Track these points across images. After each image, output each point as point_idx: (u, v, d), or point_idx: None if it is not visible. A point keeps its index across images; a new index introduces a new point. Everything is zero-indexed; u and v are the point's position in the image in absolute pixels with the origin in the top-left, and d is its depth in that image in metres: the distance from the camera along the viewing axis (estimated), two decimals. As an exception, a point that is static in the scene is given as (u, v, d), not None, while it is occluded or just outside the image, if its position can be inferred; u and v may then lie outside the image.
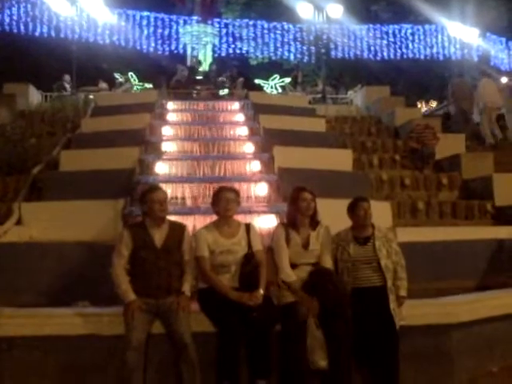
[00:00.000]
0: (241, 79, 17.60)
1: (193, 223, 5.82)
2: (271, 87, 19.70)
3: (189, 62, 20.31)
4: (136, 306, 3.85)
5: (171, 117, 10.51)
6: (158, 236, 4.06)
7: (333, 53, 23.16)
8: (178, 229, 4.20)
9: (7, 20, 21.67)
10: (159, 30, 23.29)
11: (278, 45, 24.45)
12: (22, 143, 8.80)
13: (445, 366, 4.38)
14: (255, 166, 7.82)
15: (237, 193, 4.36)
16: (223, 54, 23.68)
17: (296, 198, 4.29)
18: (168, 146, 8.63)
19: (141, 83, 18.57)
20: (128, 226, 4.42)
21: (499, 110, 12.14)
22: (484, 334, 4.59)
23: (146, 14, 23.34)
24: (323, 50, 18.70)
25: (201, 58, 20.58)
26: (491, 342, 4.65)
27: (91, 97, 13.94)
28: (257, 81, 20.29)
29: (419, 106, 21.97)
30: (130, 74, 18.84)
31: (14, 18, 21.74)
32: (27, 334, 4.02)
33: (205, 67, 20.03)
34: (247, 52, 24.57)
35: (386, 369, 4.07)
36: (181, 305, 3.91)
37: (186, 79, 16.54)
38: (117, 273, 3.96)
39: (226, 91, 16.19)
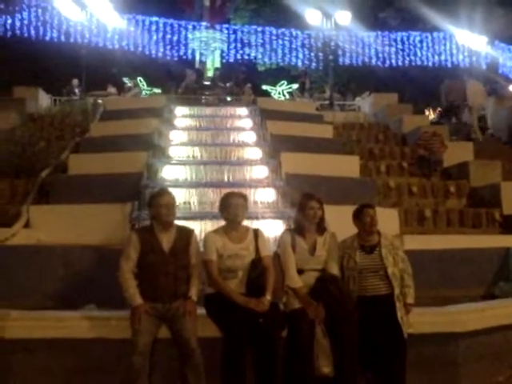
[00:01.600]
0: (248, 85, 17.66)
1: (200, 228, 5.84)
2: (279, 93, 19.75)
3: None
4: (143, 310, 3.85)
5: (179, 122, 10.56)
6: (166, 240, 4.06)
7: (341, 59, 23.16)
8: (186, 233, 4.20)
9: (18, 24, 21.83)
10: (168, 36, 23.36)
11: (286, 51, 24.48)
12: (31, 147, 8.84)
13: (451, 374, 4.36)
14: (263, 172, 7.83)
15: (245, 198, 4.35)
16: (231, 60, 23.71)
17: (303, 205, 4.31)
18: (176, 151, 8.66)
19: (149, 88, 18.67)
20: (136, 230, 4.45)
21: (483, 111, 12.95)
22: (491, 343, 4.56)
23: (155, 19, 23.44)
24: (331, 57, 18.69)
25: (209, 63, 20.66)
26: (498, 351, 4.63)
27: (100, 101, 14.02)
28: (264, 87, 20.36)
29: (427, 113, 21.91)
30: (139, 78, 18.94)
31: (25, 22, 21.89)
32: (35, 336, 4.03)
33: (212, 73, 20.11)
34: (255, 58, 24.61)
35: (392, 376, 4.05)
36: (187, 309, 3.91)
37: (195, 82, 16.62)
38: (125, 276, 3.96)
39: (229, 98, 16.22)
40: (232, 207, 4.20)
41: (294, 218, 4.51)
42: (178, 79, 17.54)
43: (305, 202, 4.32)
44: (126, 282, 3.93)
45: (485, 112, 13.07)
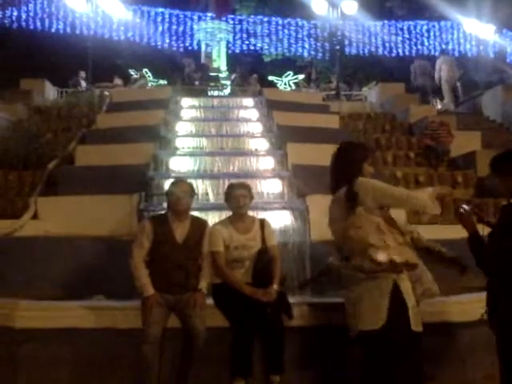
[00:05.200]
0: (254, 75, 17.61)
1: (207, 219, 5.83)
2: (285, 84, 19.66)
3: (203, 59, 20.36)
4: (155, 300, 3.84)
5: (185, 113, 10.54)
6: (180, 231, 4.01)
7: (347, 49, 23.02)
8: (200, 224, 4.17)
9: (24, 16, 21.87)
10: (174, 27, 23.33)
11: (292, 41, 24.37)
12: (38, 138, 8.88)
13: (458, 363, 4.36)
14: (269, 163, 7.81)
15: (248, 188, 4.34)
16: (237, 51, 23.66)
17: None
18: (182, 142, 8.66)
19: (155, 79, 18.64)
20: (149, 218, 4.35)
21: (454, 82, 14.91)
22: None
23: (160, 10, 23.40)
24: (337, 47, 18.59)
25: (215, 54, 20.61)
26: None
27: (106, 93, 14.04)
28: (270, 77, 20.27)
29: (434, 102, 21.77)
30: (145, 70, 18.90)
31: (31, 14, 21.94)
32: (43, 326, 4.07)
33: (218, 64, 20.05)
34: (261, 48, 24.52)
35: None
36: (198, 302, 3.90)
37: (195, 72, 16.63)
38: (137, 265, 3.92)
39: (228, 88, 16.17)
40: (235, 198, 4.20)
41: None
42: (184, 70, 17.54)
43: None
44: (137, 271, 3.91)
45: (457, 84, 15.07)
